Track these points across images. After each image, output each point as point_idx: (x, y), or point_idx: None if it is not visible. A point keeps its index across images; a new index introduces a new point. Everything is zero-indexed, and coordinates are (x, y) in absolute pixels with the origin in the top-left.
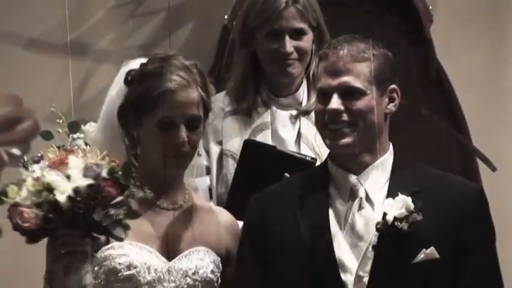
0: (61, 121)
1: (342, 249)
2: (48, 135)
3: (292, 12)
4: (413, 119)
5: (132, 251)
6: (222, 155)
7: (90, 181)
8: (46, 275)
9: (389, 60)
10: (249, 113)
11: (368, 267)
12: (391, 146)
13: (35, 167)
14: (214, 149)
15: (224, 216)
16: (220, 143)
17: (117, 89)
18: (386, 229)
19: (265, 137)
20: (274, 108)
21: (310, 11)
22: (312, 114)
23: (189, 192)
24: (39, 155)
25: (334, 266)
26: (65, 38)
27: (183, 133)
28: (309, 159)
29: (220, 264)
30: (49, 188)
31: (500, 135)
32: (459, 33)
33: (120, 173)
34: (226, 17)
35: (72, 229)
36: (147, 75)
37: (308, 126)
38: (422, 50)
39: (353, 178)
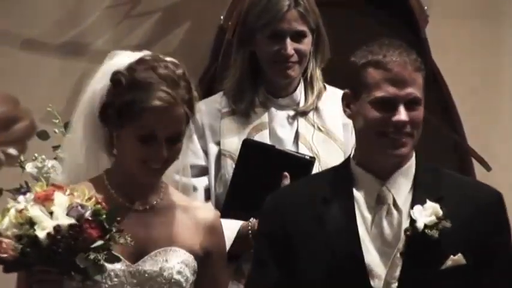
0: (57, 121)
1: (371, 255)
2: (44, 135)
3: (294, 15)
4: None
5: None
6: (220, 155)
7: (72, 221)
8: None
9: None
10: (246, 113)
11: (397, 274)
12: (413, 150)
13: (21, 198)
14: (213, 150)
15: (204, 213)
16: (218, 143)
17: (101, 85)
18: (415, 236)
19: (263, 137)
20: (272, 108)
21: (311, 13)
22: (309, 114)
23: (165, 190)
24: (27, 186)
25: (363, 272)
26: (61, 38)
27: (164, 149)
28: (308, 158)
29: (194, 264)
30: (30, 223)
31: (495, 136)
32: (454, 34)
33: (104, 216)
34: (222, 17)
35: (49, 266)
36: (135, 85)
37: (305, 126)
38: (417, 50)
39: (381, 184)
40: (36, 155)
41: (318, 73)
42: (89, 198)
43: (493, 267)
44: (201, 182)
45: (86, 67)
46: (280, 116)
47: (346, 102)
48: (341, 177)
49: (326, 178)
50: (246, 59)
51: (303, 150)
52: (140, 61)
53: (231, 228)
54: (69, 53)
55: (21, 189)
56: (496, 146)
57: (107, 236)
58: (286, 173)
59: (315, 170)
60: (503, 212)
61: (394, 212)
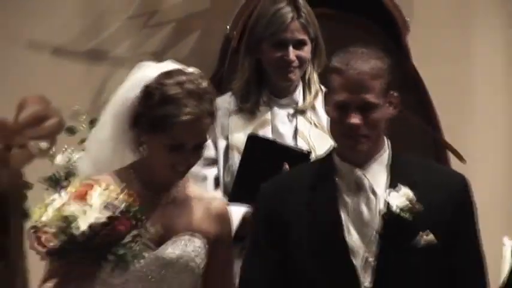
0: (83, 118)
1: (351, 235)
2: (71, 131)
3: (297, 26)
4: (392, 117)
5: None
6: (228, 148)
7: (104, 219)
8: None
9: (391, 70)
10: (252, 111)
11: (375, 252)
12: (386, 140)
13: (57, 196)
14: (221, 143)
15: (215, 203)
16: (226, 137)
17: (133, 94)
18: (390, 218)
19: (266, 132)
20: (274, 107)
21: (311, 24)
22: (307, 112)
23: (183, 183)
24: (65, 184)
25: (345, 251)
26: (86, 46)
27: (190, 157)
28: (305, 151)
29: (204, 251)
30: (68, 221)
31: (469, 131)
32: (432, 40)
33: (135, 209)
34: (228, 27)
35: (84, 257)
36: (165, 100)
37: (304, 123)
38: (399, 55)
39: (358, 172)
40: (65, 147)
41: (315, 76)
42: (121, 193)
43: (460, 245)
44: (211, 172)
45: (108, 71)
46: (281, 114)
47: (324, 100)
48: (325, 167)
49: (313, 167)
50: (252, 64)
51: (301, 144)
52: (168, 75)
53: (237, 212)
54: (92, 59)
55: (59, 184)
56: (470, 140)
57: (134, 232)
58: (286, 165)
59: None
60: (470, 195)
61: (371, 196)
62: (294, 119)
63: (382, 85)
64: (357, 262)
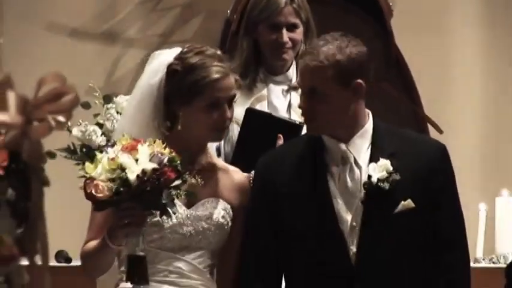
0: (97, 94)
1: (338, 203)
2: (87, 105)
3: (290, 10)
4: (377, 94)
5: None
6: None
7: (154, 165)
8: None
9: (354, 59)
10: (250, 87)
11: (359, 218)
12: (370, 116)
13: (109, 150)
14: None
15: (238, 175)
16: None
17: (157, 78)
18: (371, 188)
19: (262, 106)
20: (270, 84)
21: (303, 9)
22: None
23: (210, 154)
24: (113, 141)
25: (333, 217)
26: (100, 27)
27: (227, 111)
28: (298, 123)
29: (231, 212)
30: (122, 168)
31: (447, 105)
32: (414, 24)
33: (178, 161)
34: (228, 11)
35: (136, 203)
36: (192, 67)
37: (297, 98)
38: (384, 38)
39: (343, 146)
40: (80, 121)
41: None
42: (164, 148)
43: (441, 210)
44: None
45: (119, 51)
46: (276, 90)
47: None
48: (314, 142)
49: (303, 142)
50: (250, 45)
51: (295, 116)
52: (185, 51)
53: None
54: (105, 40)
55: (108, 143)
56: (447, 114)
57: (182, 177)
58: (280, 135)
59: (303, 133)
60: (448, 161)
61: (355, 168)
62: (288, 95)
63: (332, 73)
64: (343, 228)
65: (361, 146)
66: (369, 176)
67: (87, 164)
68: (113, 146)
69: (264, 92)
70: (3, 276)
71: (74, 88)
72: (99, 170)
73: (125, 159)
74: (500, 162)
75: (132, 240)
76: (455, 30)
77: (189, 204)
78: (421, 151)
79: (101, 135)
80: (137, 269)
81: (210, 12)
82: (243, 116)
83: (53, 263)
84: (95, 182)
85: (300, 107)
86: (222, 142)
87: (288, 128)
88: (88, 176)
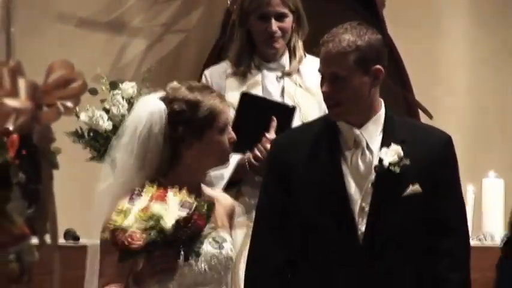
0: (104, 80)
1: (350, 186)
2: (94, 91)
3: (277, 1)
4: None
5: None
6: None
7: (185, 213)
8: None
9: (373, 45)
10: (245, 74)
11: (369, 200)
12: (382, 104)
13: (137, 200)
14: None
15: (227, 200)
16: None
17: (160, 125)
18: (382, 171)
19: (257, 92)
20: (264, 70)
21: None
22: (293, 75)
23: (202, 187)
24: (138, 189)
25: (345, 197)
26: (107, 17)
27: (232, 131)
28: (291, 106)
29: (232, 241)
30: (155, 218)
31: (436, 92)
32: (404, 14)
33: (205, 207)
34: (229, 1)
35: (168, 250)
36: (198, 103)
37: (290, 84)
38: (376, 27)
39: (356, 131)
40: (88, 106)
41: (299, 44)
42: (189, 196)
43: (443, 195)
44: None
45: (125, 40)
46: (270, 76)
47: None
48: (328, 126)
49: (318, 125)
50: (244, 35)
51: (288, 101)
52: (173, 91)
53: (232, 160)
54: (113, 29)
55: (134, 193)
56: (437, 99)
57: (209, 223)
58: (274, 118)
59: (296, 116)
60: (452, 150)
61: (367, 152)
62: (282, 80)
63: (354, 58)
64: (354, 208)
65: (373, 132)
66: (381, 160)
67: (115, 215)
68: (138, 194)
69: (259, 78)
70: (15, 254)
71: (82, 75)
72: (131, 220)
73: (158, 208)
74: (486, 146)
75: (164, 285)
76: (444, 19)
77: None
78: (429, 140)
79: (108, 120)
80: None
81: (211, 2)
82: (238, 100)
83: (61, 241)
84: (130, 231)
85: (323, 92)
86: None
87: (282, 111)
88: (118, 226)
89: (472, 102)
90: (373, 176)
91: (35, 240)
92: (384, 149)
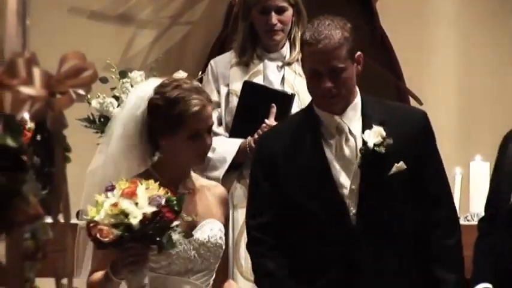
0: (114, 70)
1: (336, 170)
2: (104, 80)
3: None
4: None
5: None
6: (228, 93)
7: (154, 208)
8: (99, 280)
9: (353, 35)
10: (247, 64)
11: (357, 182)
12: (357, 89)
13: (109, 194)
14: (223, 90)
15: (218, 189)
16: (227, 85)
17: (140, 110)
18: (368, 153)
19: (259, 80)
20: (266, 60)
21: None
22: (293, 64)
23: (192, 176)
24: (112, 184)
25: (332, 183)
26: (117, 10)
27: (207, 140)
28: (290, 94)
29: (223, 230)
30: (124, 213)
31: (426, 79)
32: (395, 6)
33: (174, 202)
34: None
35: (137, 243)
36: (173, 102)
37: (290, 73)
38: (370, 19)
39: (338, 118)
40: (98, 94)
41: (299, 35)
42: (160, 189)
43: (428, 169)
44: (215, 113)
45: (134, 31)
46: (271, 65)
47: (301, 64)
48: (308, 117)
49: (299, 118)
50: (246, 27)
51: (287, 89)
52: (164, 85)
53: (234, 143)
54: (122, 21)
55: (107, 187)
56: (426, 87)
57: (180, 216)
58: (274, 105)
59: (295, 103)
60: (428, 125)
61: (350, 137)
62: (282, 70)
63: (346, 50)
64: (343, 192)
65: (353, 117)
66: (365, 142)
67: (90, 207)
68: (112, 189)
69: (260, 67)
70: (30, 233)
71: (93, 64)
72: (102, 214)
73: (127, 204)
74: (473, 130)
75: (136, 276)
76: (434, 10)
77: (188, 228)
78: (406, 118)
79: (117, 106)
80: None
81: None
82: (241, 89)
83: (74, 221)
84: (99, 226)
85: (324, 88)
86: (223, 113)
87: (281, 98)
88: (90, 220)
89: (461, 90)
90: (359, 158)
91: (49, 220)
92: (367, 132)
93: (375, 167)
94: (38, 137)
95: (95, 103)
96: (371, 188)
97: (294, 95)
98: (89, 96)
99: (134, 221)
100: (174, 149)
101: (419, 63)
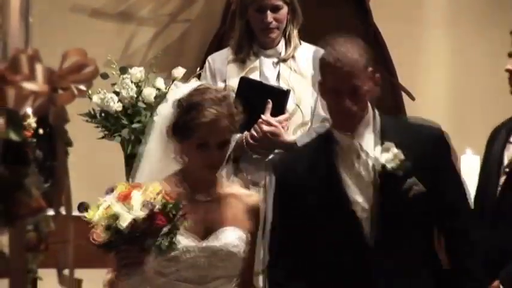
0: (114, 66)
1: (351, 190)
2: (105, 76)
3: None
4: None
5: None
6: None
7: (143, 214)
8: (110, 280)
9: (369, 52)
10: (244, 60)
11: (372, 201)
12: (369, 104)
13: (107, 197)
14: (220, 86)
15: (250, 198)
16: (224, 81)
17: (169, 109)
18: (384, 174)
19: (255, 76)
20: (262, 57)
21: None
22: (288, 61)
23: (221, 183)
24: (112, 187)
25: (348, 203)
26: (118, 8)
27: (215, 153)
28: (285, 90)
29: (245, 238)
30: (114, 217)
31: (418, 75)
32: (388, 4)
33: (170, 206)
34: None
35: (132, 247)
36: (190, 107)
37: (285, 69)
38: (363, 17)
39: (352, 138)
40: (99, 89)
41: (295, 33)
42: (159, 194)
43: (443, 182)
44: None
45: (134, 29)
46: (267, 62)
47: (319, 86)
48: (325, 139)
49: (316, 142)
50: (243, 25)
51: (283, 84)
52: (196, 89)
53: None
54: (122, 18)
55: (108, 190)
56: (419, 83)
57: (173, 223)
58: (269, 100)
59: (290, 99)
60: (445, 142)
61: (364, 156)
62: (277, 66)
63: (365, 70)
64: (359, 212)
65: (367, 135)
66: (379, 161)
67: (89, 210)
68: (112, 191)
69: (257, 63)
70: (32, 225)
71: (94, 61)
72: (97, 217)
73: (118, 209)
74: (464, 125)
75: (130, 279)
76: (426, 8)
77: (204, 235)
78: (421, 136)
79: (118, 101)
80: None
81: None
82: (237, 84)
83: (75, 213)
84: (92, 230)
85: (344, 107)
86: None
87: (276, 94)
88: (88, 220)
89: (452, 86)
90: (373, 177)
91: (51, 212)
92: (380, 150)
93: (388, 186)
94: (41, 132)
95: (96, 98)
96: (385, 207)
97: (289, 90)
98: (90, 91)
99: (122, 224)
100: (187, 155)
101: (412, 59)
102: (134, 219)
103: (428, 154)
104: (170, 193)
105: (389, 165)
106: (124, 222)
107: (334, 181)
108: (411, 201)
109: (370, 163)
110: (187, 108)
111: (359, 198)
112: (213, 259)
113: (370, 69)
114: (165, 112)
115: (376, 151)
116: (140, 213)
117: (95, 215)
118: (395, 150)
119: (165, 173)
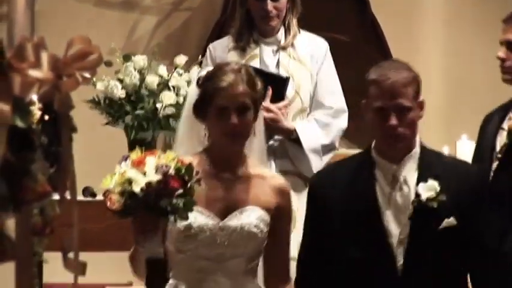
0: (118, 54)
1: (387, 218)
2: (109, 63)
3: None
4: (354, 54)
5: (191, 216)
6: None
7: (157, 177)
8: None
9: (420, 79)
10: (244, 48)
11: (407, 233)
12: (418, 138)
13: (122, 164)
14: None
15: (276, 180)
16: None
17: (196, 91)
18: (419, 206)
19: (255, 64)
20: (262, 45)
21: None
22: (287, 49)
23: (247, 162)
24: (127, 155)
25: (382, 231)
26: None
27: (234, 118)
28: (284, 77)
29: (267, 218)
30: (129, 181)
31: (415, 61)
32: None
33: (184, 170)
34: None
35: (148, 212)
36: (209, 77)
37: (284, 57)
38: (361, 4)
39: (394, 167)
40: (103, 77)
41: (294, 21)
42: (173, 159)
43: (478, 220)
44: None
45: (137, 17)
46: (267, 50)
47: (363, 108)
48: (365, 162)
49: (354, 162)
50: (243, 13)
51: (282, 72)
52: (216, 64)
53: None
54: (125, 7)
55: (123, 157)
56: (416, 68)
57: (187, 186)
58: (269, 87)
59: (290, 86)
60: (483, 182)
61: (404, 187)
62: (277, 54)
63: (413, 91)
64: (392, 241)
65: (410, 167)
66: (418, 195)
67: (106, 178)
68: (126, 159)
69: (257, 51)
70: (38, 209)
71: (98, 48)
72: (113, 183)
73: (132, 173)
74: (460, 111)
75: (150, 244)
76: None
77: (225, 213)
78: (462, 174)
79: (121, 88)
80: (156, 272)
81: None
82: None
83: (80, 197)
84: (109, 195)
85: (390, 126)
86: None
87: (276, 81)
88: (105, 188)
89: (448, 72)
90: (410, 210)
91: (56, 197)
92: (422, 185)
93: (425, 221)
94: (46, 118)
95: (100, 85)
96: (419, 240)
97: (289, 77)
98: (94, 79)
99: (136, 188)
100: (209, 129)
101: (408, 48)
102: (149, 182)
103: (466, 192)
104: (183, 161)
105: (424, 196)
106: (138, 186)
107: (370, 206)
108: (442, 234)
109: (411, 198)
110: (207, 78)
111: (393, 227)
112: (233, 238)
113: (418, 91)
114: (191, 93)
115: (419, 188)
116: (154, 176)
117: (110, 182)
118: (431, 182)
119: (192, 150)
